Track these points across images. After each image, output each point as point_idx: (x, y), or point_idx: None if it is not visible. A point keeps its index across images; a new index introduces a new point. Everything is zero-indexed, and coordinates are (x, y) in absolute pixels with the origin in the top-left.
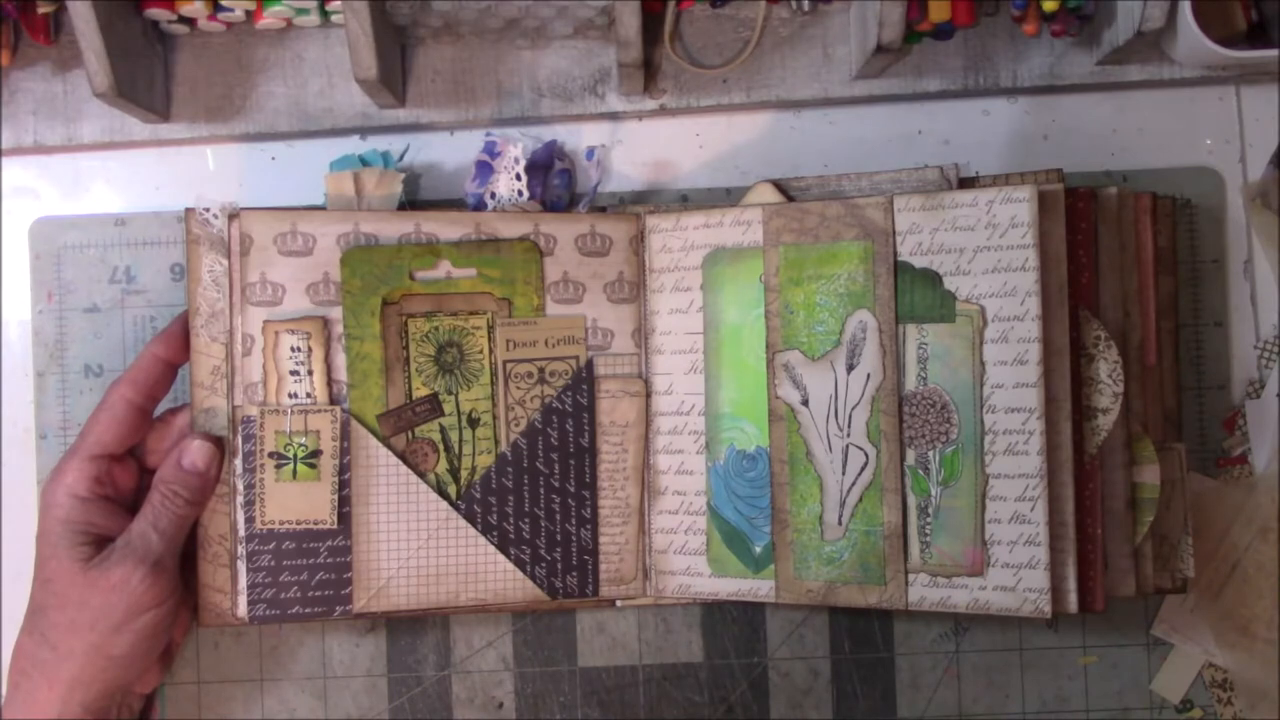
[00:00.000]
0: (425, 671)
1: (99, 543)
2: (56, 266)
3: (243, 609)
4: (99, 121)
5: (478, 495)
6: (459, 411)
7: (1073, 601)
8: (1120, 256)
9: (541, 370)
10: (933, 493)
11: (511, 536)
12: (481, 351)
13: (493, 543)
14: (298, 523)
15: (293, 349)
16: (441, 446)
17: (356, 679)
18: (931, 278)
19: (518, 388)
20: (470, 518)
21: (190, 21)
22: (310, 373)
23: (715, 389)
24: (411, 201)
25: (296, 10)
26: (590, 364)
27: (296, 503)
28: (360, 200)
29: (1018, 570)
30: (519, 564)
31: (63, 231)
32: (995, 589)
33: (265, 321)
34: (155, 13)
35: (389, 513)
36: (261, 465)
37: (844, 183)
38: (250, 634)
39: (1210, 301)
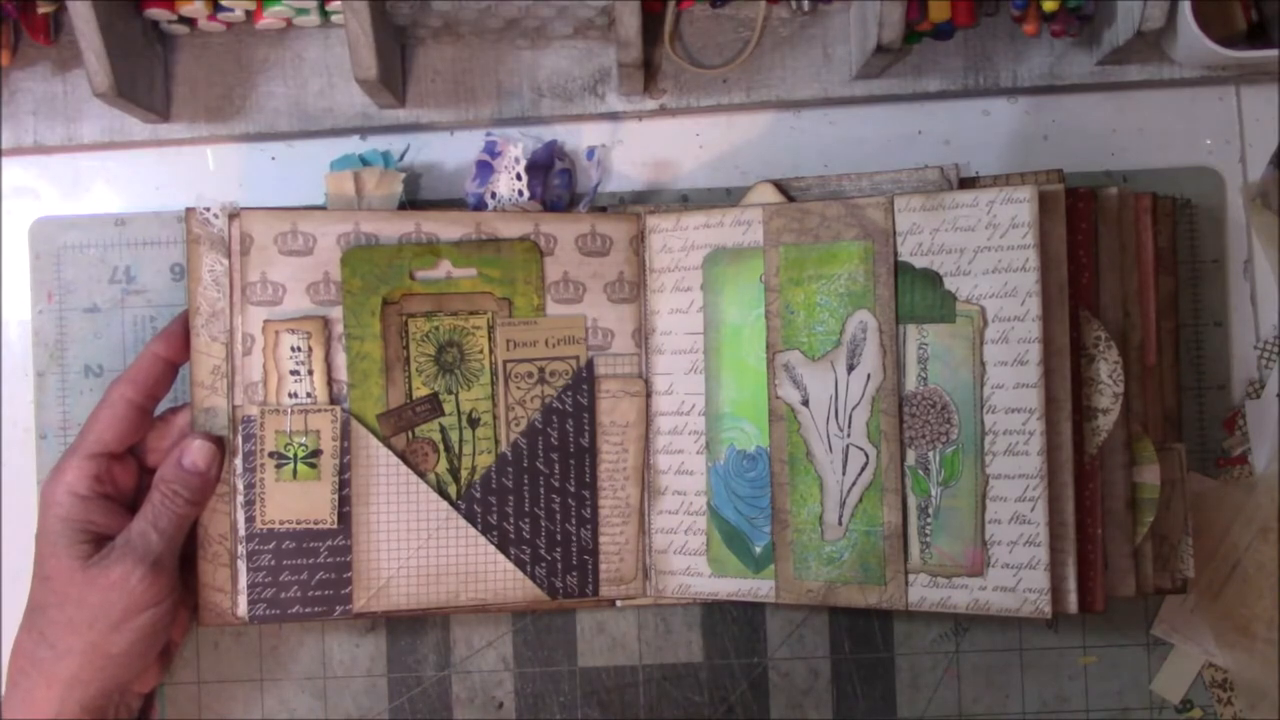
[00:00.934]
0: (425, 671)
1: (98, 541)
2: (56, 266)
3: (243, 608)
4: (99, 121)
5: (478, 495)
6: (459, 411)
7: (1073, 602)
8: (1120, 257)
9: (542, 370)
10: (933, 493)
11: (511, 536)
12: (482, 351)
13: (493, 542)
14: (298, 522)
15: (293, 348)
16: (442, 446)
17: (356, 679)
18: (932, 278)
19: (518, 387)
20: (470, 517)
21: (190, 21)
22: (310, 372)
23: (715, 389)
24: (412, 201)
25: (296, 10)
26: (590, 364)
27: (297, 502)
28: (360, 200)
29: (1018, 570)
30: (519, 564)
31: (63, 231)
32: (995, 589)
33: (265, 321)
34: (155, 13)
35: (389, 512)
36: (262, 465)
37: (844, 183)
38: (250, 634)
39: (1210, 301)
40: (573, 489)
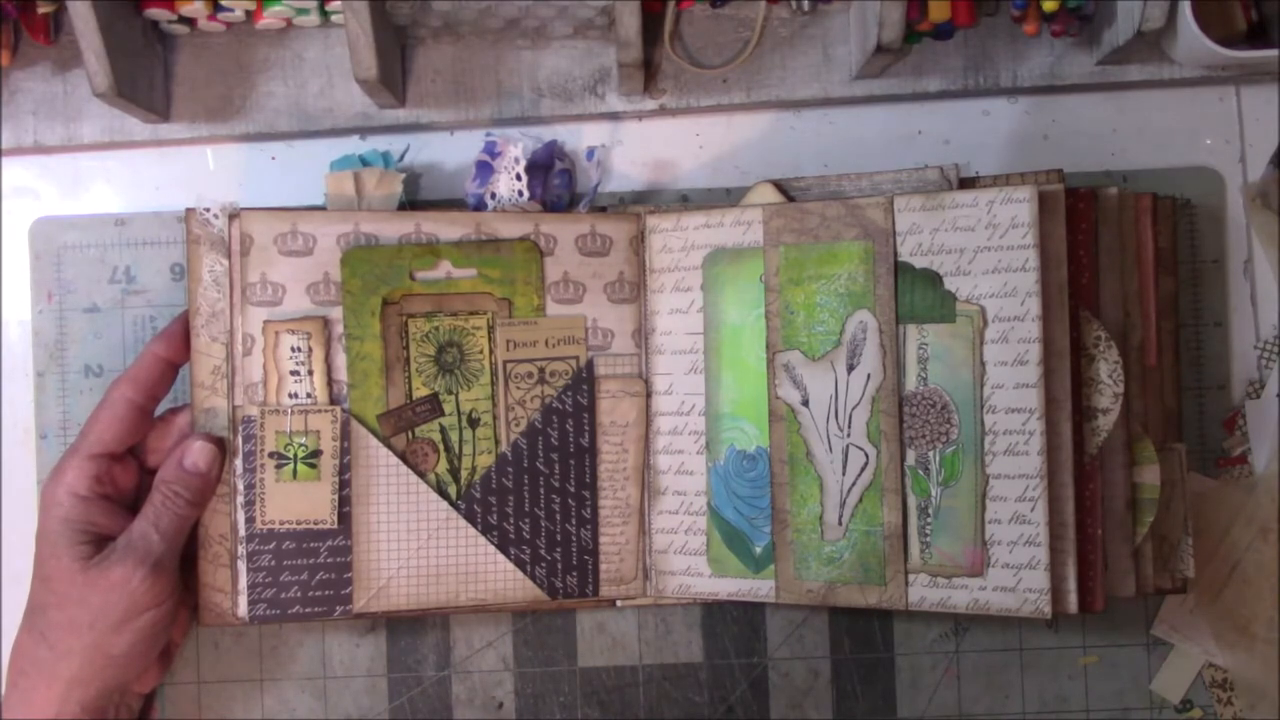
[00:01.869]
0: (425, 671)
1: (99, 541)
2: (56, 266)
3: (243, 609)
4: (99, 121)
5: (478, 495)
6: (459, 411)
7: (1073, 602)
8: (1121, 257)
9: (542, 370)
10: (933, 493)
11: (511, 536)
12: (482, 351)
13: (493, 543)
14: (298, 523)
15: (293, 349)
16: (442, 446)
17: (356, 679)
18: (932, 278)
19: (518, 388)
20: (470, 518)
21: (190, 21)
22: (310, 373)
23: (715, 389)
24: (412, 201)
25: (296, 10)
26: (590, 364)
27: (297, 503)
28: (360, 200)
29: (1018, 570)
30: (519, 564)
31: (63, 231)
32: (995, 589)
33: (265, 321)
34: (155, 13)
35: (389, 513)
36: (262, 465)
37: (844, 183)
38: (250, 634)
39: (1210, 301)
40: (573, 489)
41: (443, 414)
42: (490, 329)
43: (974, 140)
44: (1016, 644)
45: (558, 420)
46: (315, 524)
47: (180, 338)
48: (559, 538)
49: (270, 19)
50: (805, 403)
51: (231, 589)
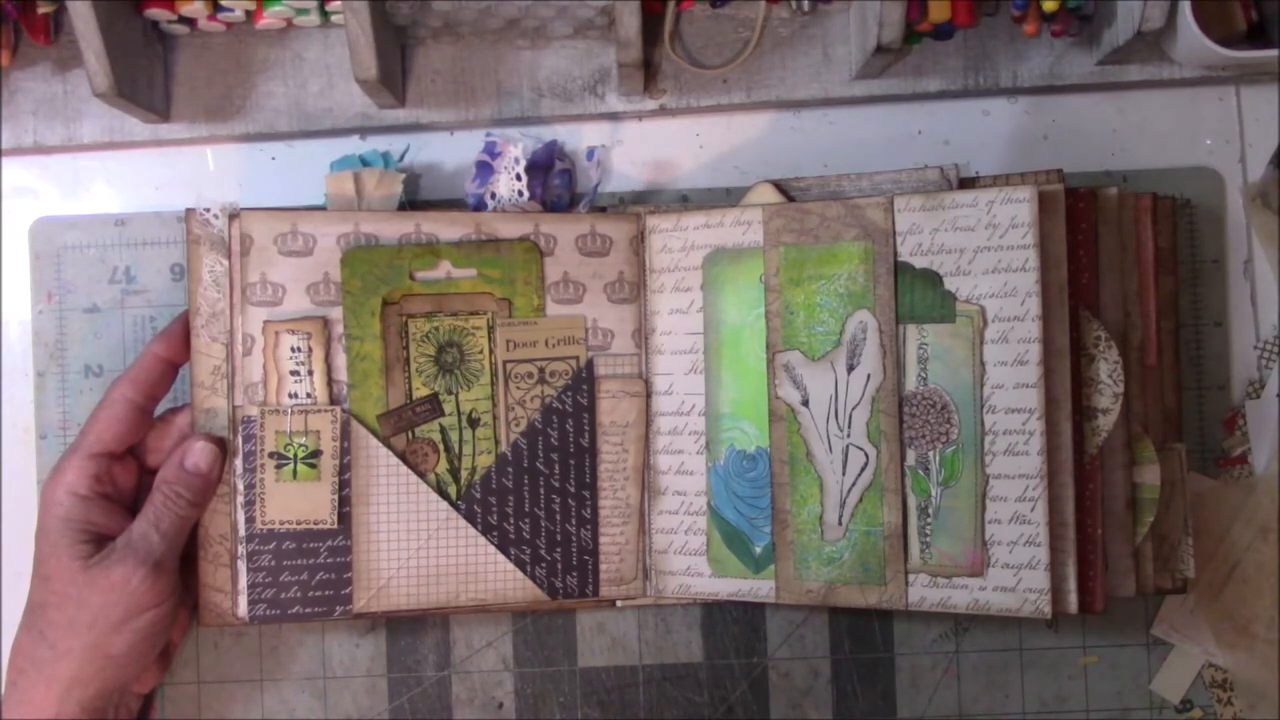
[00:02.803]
0: (425, 671)
1: (98, 541)
2: (56, 266)
3: (243, 609)
4: (99, 121)
5: (478, 495)
6: (459, 411)
7: (1073, 602)
8: (1120, 257)
9: (542, 370)
10: (933, 493)
11: (512, 536)
12: (482, 351)
13: (493, 543)
14: (298, 523)
15: (293, 349)
16: (442, 446)
17: (356, 679)
18: (932, 278)
19: (518, 388)
20: (470, 518)
21: (190, 21)
22: (310, 373)
23: (715, 389)
24: (411, 201)
25: (296, 10)
26: (590, 364)
27: (297, 503)
28: (360, 200)
29: (1018, 571)
30: (519, 564)
31: (63, 231)
32: (995, 589)
33: (265, 322)
34: (155, 13)
35: (389, 513)
36: (262, 465)
37: (844, 183)
38: (250, 634)
39: (1210, 301)
40: (573, 489)
41: (443, 414)
42: (490, 329)
43: (974, 140)
44: (1016, 644)
45: (558, 420)
46: (315, 524)
47: (180, 337)
48: (559, 538)
49: (270, 19)
50: (805, 403)
51: (231, 589)
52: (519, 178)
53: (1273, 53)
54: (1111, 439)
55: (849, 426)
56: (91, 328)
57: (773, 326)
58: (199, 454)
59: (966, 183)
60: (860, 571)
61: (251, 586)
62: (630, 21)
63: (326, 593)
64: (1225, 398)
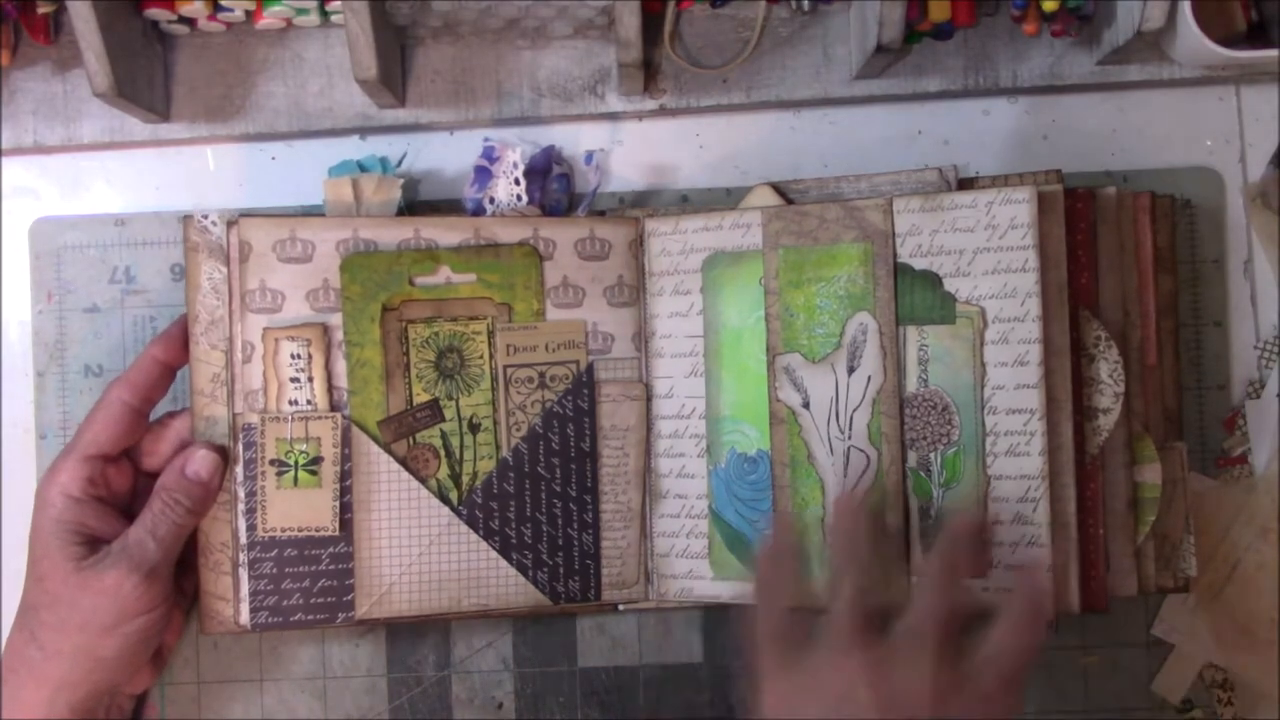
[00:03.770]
0: (425, 671)
1: (92, 543)
2: (56, 266)
3: (245, 616)
4: (99, 121)
5: (479, 500)
6: (460, 417)
7: (1075, 602)
8: (1120, 257)
9: (542, 375)
10: (935, 494)
11: (513, 541)
12: (482, 356)
13: (494, 548)
14: (299, 529)
15: (293, 356)
16: (443, 452)
17: (356, 679)
18: (931, 279)
19: (518, 392)
20: (472, 523)
21: (190, 21)
22: (311, 379)
23: (716, 392)
24: (411, 204)
25: (296, 10)
26: (591, 368)
27: (298, 509)
28: (359, 206)
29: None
30: (521, 569)
31: (63, 231)
32: (998, 590)
33: (265, 329)
34: (155, 13)
35: (391, 519)
36: (263, 472)
37: (843, 185)
38: (250, 634)
39: (1210, 301)
40: (574, 493)
41: (443, 419)
42: (490, 334)
43: (974, 140)
44: None
45: (558, 425)
46: (317, 531)
47: (179, 341)
48: (560, 542)
49: (270, 19)
50: (806, 405)
51: (233, 597)
52: (517, 182)
53: (1273, 53)
54: (1112, 439)
55: (850, 429)
56: (91, 328)
57: (773, 329)
58: (200, 462)
59: (966, 183)
60: None
61: (253, 594)
62: (630, 21)
63: (329, 599)
64: (1225, 398)
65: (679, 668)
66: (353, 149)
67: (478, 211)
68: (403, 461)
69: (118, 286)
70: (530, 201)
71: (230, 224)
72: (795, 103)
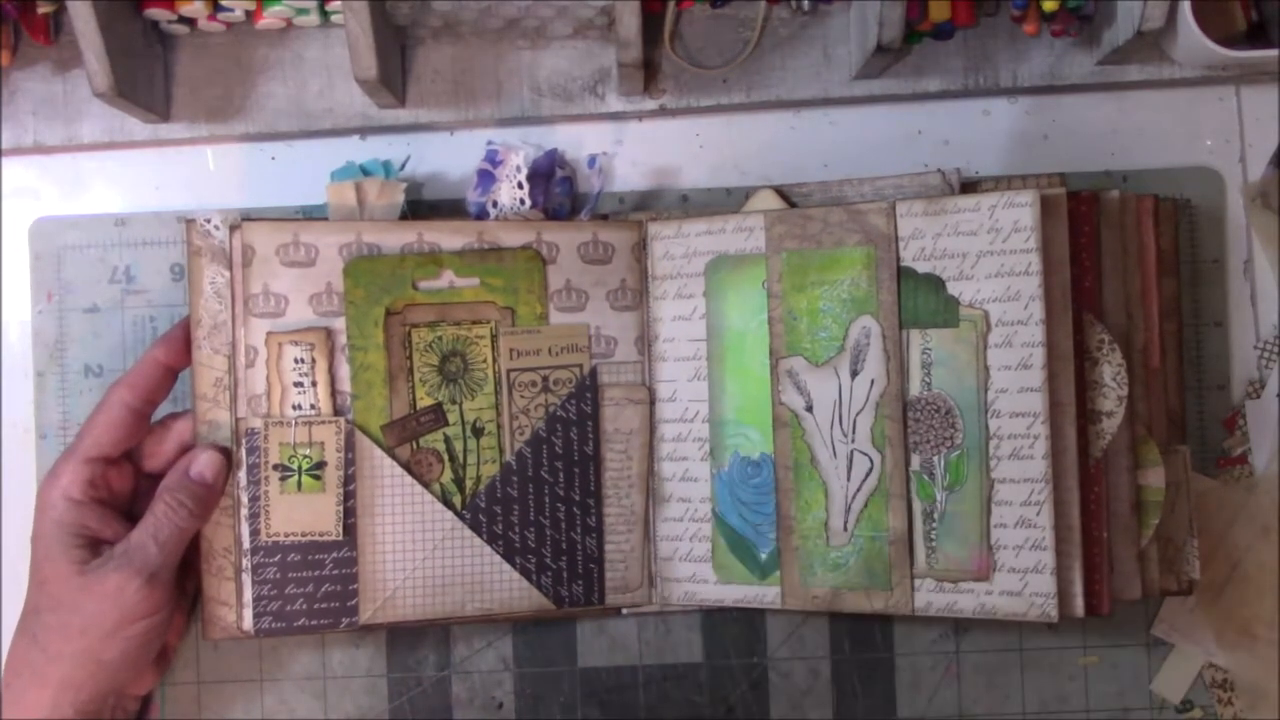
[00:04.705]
0: (425, 672)
1: (93, 545)
2: (56, 266)
3: (248, 622)
4: (99, 121)
5: (483, 504)
6: (463, 421)
7: (1079, 605)
8: (1123, 259)
9: (545, 379)
10: (938, 498)
11: (517, 545)
12: (485, 360)
13: (498, 552)
14: (303, 534)
15: (296, 360)
16: (446, 456)
17: (356, 679)
18: (934, 283)
19: (522, 396)
20: (475, 527)
21: (190, 21)
22: (314, 384)
23: (719, 395)
24: (413, 204)
25: (296, 10)
26: (594, 372)
27: (301, 514)
28: (362, 210)
29: (1024, 575)
30: (524, 573)
31: (63, 231)
32: (1002, 594)
33: (268, 333)
34: (155, 13)
35: (394, 523)
36: (266, 477)
37: (846, 188)
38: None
39: (1210, 302)
40: (577, 497)
41: (447, 424)
42: (493, 338)
43: (974, 140)
44: (1016, 644)
45: (562, 428)
46: (320, 536)
47: (181, 343)
48: (564, 546)
49: (270, 19)
50: (809, 408)
51: (236, 602)
52: (520, 186)
53: (1273, 53)
54: (1116, 442)
55: (853, 432)
56: (91, 328)
57: (776, 333)
58: (205, 464)
59: (968, 185)
60: (866, 577)
61: (257, 599)
62: (630, 21)
63: (332, 604)
64: (1225, 398)
65: (679, 668)
66: (353, 149)
67: (481, 215)
68: (406, 466)
69: (118, 286)
70: (533, 205)
71: (233, 228)
72: (795, 103)
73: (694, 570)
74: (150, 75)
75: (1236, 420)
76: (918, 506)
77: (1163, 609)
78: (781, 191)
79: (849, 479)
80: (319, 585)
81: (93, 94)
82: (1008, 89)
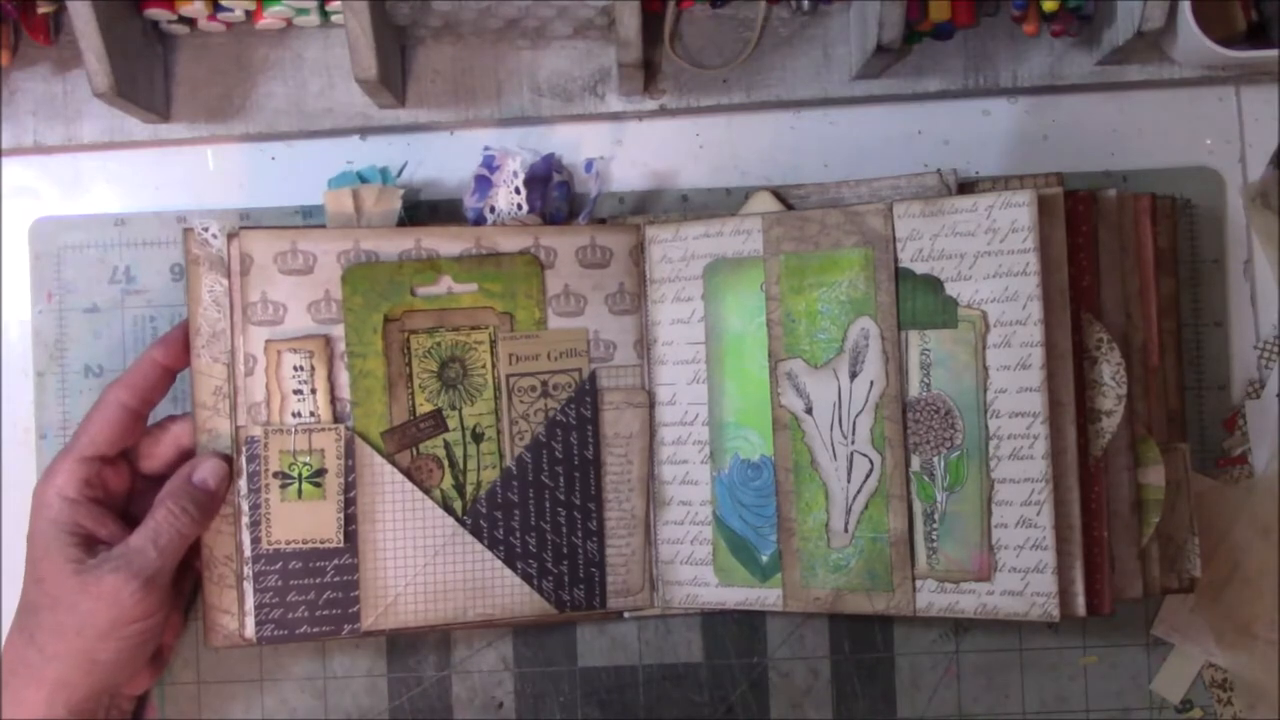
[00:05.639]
0: (425, 671)
1: (88, 544)
2: (56, 266)
3: (250, 630)
4: (99, 121)
5: (483, 510)
6: (463, 426)
7: (1080, 605)
8: (1121, 259)
9: (545, 383)
10: (938, 498)
11: (518, 550)
12: (484, 366)
13: (499, 557)
14: (304, 542)
15: (295, 368)
16: (446, 462)
17: (356, 679)
18: (933, 283)
19: (521, 401)
20: (476, 533)
21: (190, 21)
22: (314, 391)
23: (718, 398)
24: (412, 209)
25: (296, 10)
26: (593, 376)
27: (302, 522)
28: (360, 217)
29: (1025, 575)
30: (526, 578)
31: (63, 231)
32: (1003, 594)
33: (267, 341)
34: (155, 13)
35: (395, 530)
36: (266, 485)
37: (843, 190)
38: None
39: (1210, 301)
40: (578, 501)
41: (447, 429)
42: (492, 343)
43: (974, 140)
44: (1016, 644)
45: (561, 433)
46: (321, 543)
47: (179, 344)
48: (565, 550)
49: (270, 19)
50: (809, 410)
51: (238, 610)
52: (518, 191)
53: (1273, 53)
54: (1115, 441)
55: (853, 433)
56: (91, 328)
57: (774, 335)
58: (208, 470)
59: (966, 186)
60: (867, 578)
61: (258, 607)
62: (630, 21)
63: (334, 611)
64: (1225, 398)
65: (679, 668)
66: (353, 149)
67: (478, 221)
68: (406, 472)
69: (117, 286)
70: (531, 210)
71: (231, 236)
72: (795, 103)
73: (695, 573)
74: (150, 75)
75: (1236, 420)
76: (918, 507)
77: (1163, 609)
78: (779, 193)
79: (849, 480)
80: (320, 592)
81: (93, 94)
82: (1008, 89)
